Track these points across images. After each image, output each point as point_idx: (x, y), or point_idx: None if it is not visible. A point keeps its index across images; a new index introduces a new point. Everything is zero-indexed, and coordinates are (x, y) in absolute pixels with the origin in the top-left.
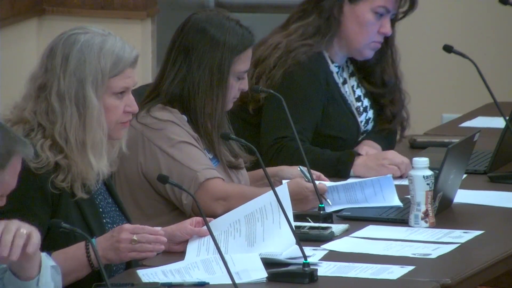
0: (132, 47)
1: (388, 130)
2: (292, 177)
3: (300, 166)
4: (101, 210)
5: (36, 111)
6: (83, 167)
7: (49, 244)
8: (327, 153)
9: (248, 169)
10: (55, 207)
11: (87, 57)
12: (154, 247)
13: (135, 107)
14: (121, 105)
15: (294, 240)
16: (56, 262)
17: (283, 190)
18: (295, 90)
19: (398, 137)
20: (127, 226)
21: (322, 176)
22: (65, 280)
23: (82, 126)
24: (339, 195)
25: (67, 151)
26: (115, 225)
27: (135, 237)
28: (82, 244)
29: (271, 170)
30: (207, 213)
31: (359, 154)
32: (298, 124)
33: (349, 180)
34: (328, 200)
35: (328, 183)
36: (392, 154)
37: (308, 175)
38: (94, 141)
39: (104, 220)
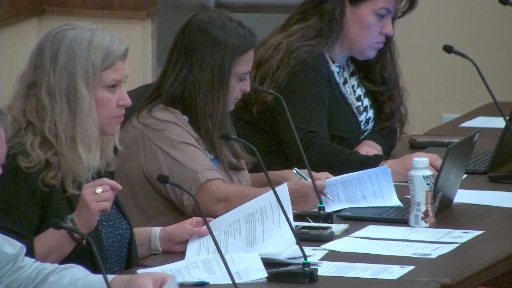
0: (121, 41)
1: (388, 129)
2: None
3: (295, 168)
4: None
5: (25, 110)
6: (73, 162)
7: None
8: (355, 155)
9: (250, 170)
10: (46, 205)
11: (76, 52)
12: (112, 194)
13: (128, 100)
14: (113, 98)
15: (294, 240)
16: (39, 244)
17: (282, 190)
18: (304, 88)
19: (397, 134)
20: (86, 184)
21: (328, 174)
22: (51, 257)
23: (72, 120)
24: (338, 192)
25: (57, 147)
26: (110, 222)
27: (97, 189)
28: (63, 232)
29: (277, 173)
30: (207, 214)
31: (387, 159)
32: (315, 121)
33: (347, 174)
34: (328, 195)
35: (327, 179)
36: (418, 156)
37: (304, 175)
38: (84, 135)
39: (100, 227)
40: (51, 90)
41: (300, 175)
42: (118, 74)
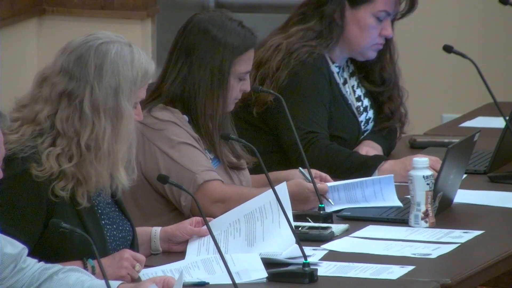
0: (150, 59)
1: (388, 129)
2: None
3: (300, 168)
4: (103, 220)
5: (55, 116)
6: (105, 178)
7: (43, 247)
8: (354, 155)
9: (250, 170)
10: (50, 216)
11: (121, 68)
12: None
13: (142, 116)
14: (133, 114)
15: (294, 240)
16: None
17: (282, 189)
18: (304, 88)
19: (397, 134)
20: (128, 250)
21: (328, 177)
22: None
23: (114, 137)
24: (339, 194)
25: (89, 160)
26: (114, 226)
27: (137, 266)
28: (79, 262)
29: (282, 173)
30: (205, 215)
31: (387, 159)
32: (315, 121)
33: (350, 180)
34: (330, 200)
35: (329, 183)
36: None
37: (308, 176)
38: (124, 151)
39: (105, 231)
40: (95, 104)
41: (304, 174)
42: (143, 92)
